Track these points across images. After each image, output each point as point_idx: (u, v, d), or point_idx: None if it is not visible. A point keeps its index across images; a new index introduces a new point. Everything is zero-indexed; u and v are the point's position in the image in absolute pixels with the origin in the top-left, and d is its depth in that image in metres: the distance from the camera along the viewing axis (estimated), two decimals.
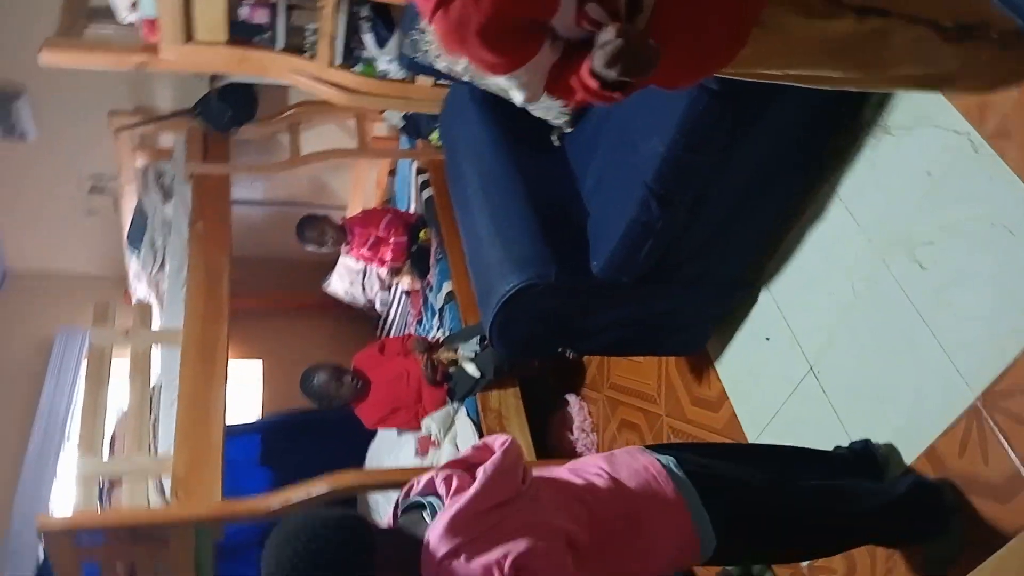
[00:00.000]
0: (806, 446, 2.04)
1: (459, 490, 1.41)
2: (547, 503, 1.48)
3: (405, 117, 4.08)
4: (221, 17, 2.68)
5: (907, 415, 1.99)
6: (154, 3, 2.66)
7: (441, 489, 1.43)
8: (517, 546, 1.34)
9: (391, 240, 4.14)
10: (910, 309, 1.97)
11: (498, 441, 1.51)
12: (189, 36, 2.67)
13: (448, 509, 1.38)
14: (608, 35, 1.16)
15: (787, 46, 1.37)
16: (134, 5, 2.78)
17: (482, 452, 1.51)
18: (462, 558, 1.32)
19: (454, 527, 1.35)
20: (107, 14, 3.02)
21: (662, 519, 1.54)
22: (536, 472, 1.57)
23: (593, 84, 1.21)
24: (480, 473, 1.42)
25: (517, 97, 1.32)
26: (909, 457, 1.97)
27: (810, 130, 2.07)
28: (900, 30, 1.42)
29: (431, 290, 4.06)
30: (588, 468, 1.60)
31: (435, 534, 1.35)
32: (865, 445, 2.01)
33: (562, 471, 1.62)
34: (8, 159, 4.33)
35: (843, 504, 1.75)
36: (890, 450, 2.01)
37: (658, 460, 1.59)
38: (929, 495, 1.85)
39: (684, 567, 1.63)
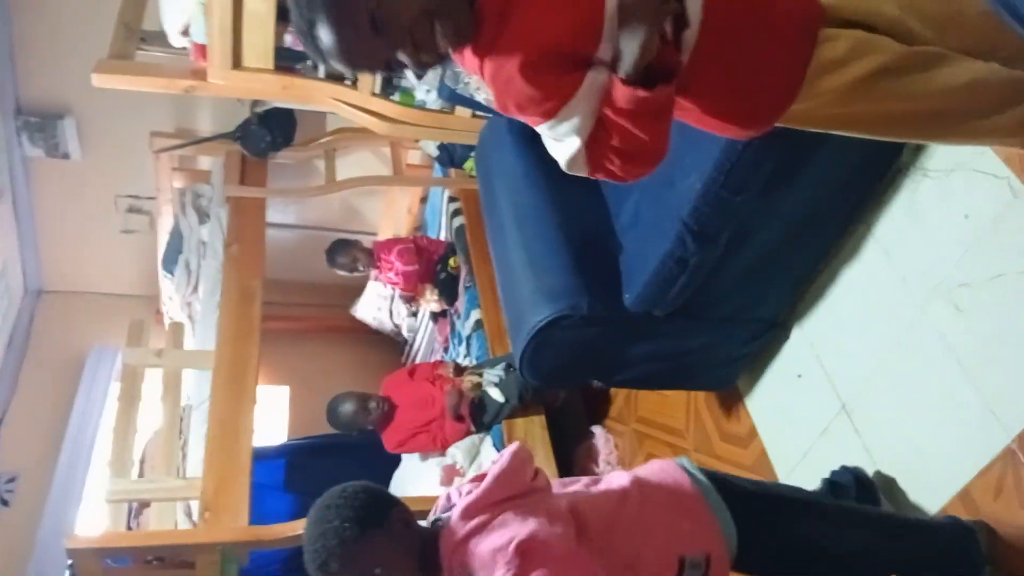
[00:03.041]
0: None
1: (471, 492, 1.52)
2: (559, 497, 1.58)
3: (440, 146, 4.14)
4: (268, 44, 2.75)
5: (940, 456, 1.97)
6: (204, 29, 2.73)
7: (455, 498, 1.55)
8: (523, 530, 1.42)
9: (399, 270, 4.18)
10: (945, 350, 1.97)
11: (508, 448, 1.60)
12: (237, 62, 2.74)
13: (462, 500, 1.50)
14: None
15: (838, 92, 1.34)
16: (185, 31, 2.86)
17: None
18: (473, 542, 1.44)
19: (467, 512, 1.47)
20: (158, 38, 3.11)
21: (679, 507, 1.61)
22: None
23: (620, 93, 1.18)
24: (489, 472, 1.52)
25: (567, 150, 1.28)
26: (943, 498, 1.96)
27: (852, 176, 2.08)
28: (952, 59, 1.37)
29: (459, 317, 4.09)
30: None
31: (453, 520, 1.48)
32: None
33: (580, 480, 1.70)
34: (51, 178, 4.44)
35: (874, 530, 1.76)
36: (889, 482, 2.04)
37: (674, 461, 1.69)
38: (964, 538, 1.83)
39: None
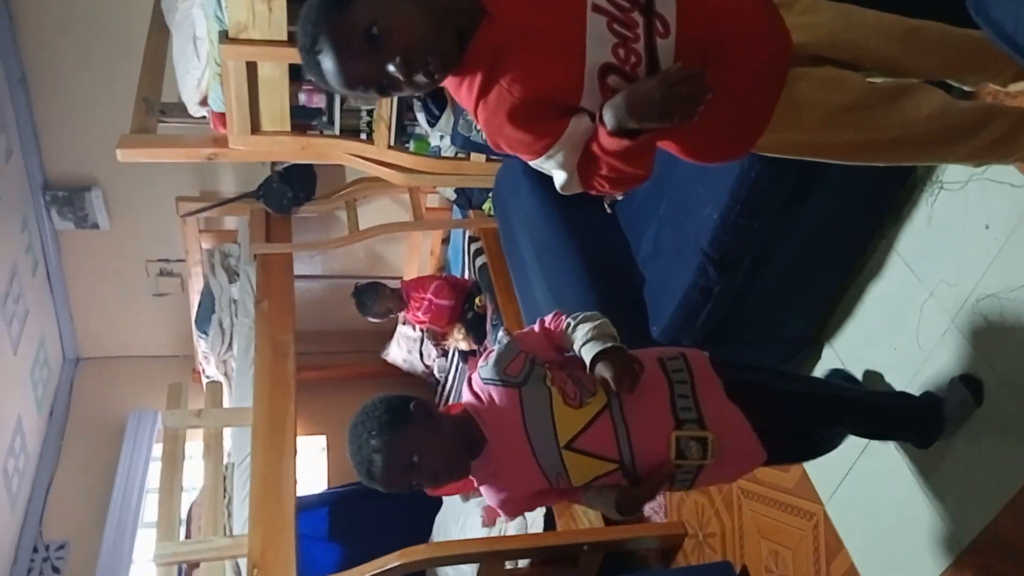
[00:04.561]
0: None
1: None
2: None
3: (457, 189, 4.19)
4: (284, 108, 2.83)
5: (984, 467, 1.95)
6: (222, 98, 2.81)
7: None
8: None
9: (433, 303, 4.22)
10: (978, 360, 1.96)
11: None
12: (256, 127, 2.82)
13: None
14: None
15: (808, 120, 1.40)
16: (203, 101, 2.94)
17: None
18: None
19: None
20: (178, 109, 3.20)
21: None
22: None
23: (605, 141, 1.27)
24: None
25: (558, 179, 1.39)
26: (992, 509, 1.93)
27: (867, 192, 2.08)
28: (914, 91, 1.44)
29: None
30: None
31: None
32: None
33: None
34: (82, 249, 4.55)
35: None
36: None
37: None
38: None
39: None
